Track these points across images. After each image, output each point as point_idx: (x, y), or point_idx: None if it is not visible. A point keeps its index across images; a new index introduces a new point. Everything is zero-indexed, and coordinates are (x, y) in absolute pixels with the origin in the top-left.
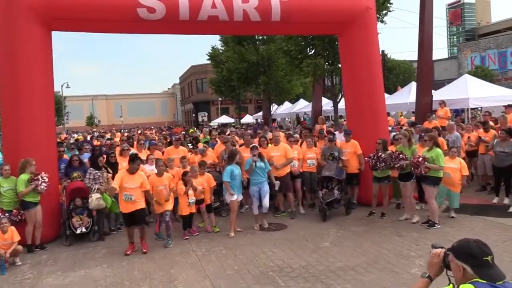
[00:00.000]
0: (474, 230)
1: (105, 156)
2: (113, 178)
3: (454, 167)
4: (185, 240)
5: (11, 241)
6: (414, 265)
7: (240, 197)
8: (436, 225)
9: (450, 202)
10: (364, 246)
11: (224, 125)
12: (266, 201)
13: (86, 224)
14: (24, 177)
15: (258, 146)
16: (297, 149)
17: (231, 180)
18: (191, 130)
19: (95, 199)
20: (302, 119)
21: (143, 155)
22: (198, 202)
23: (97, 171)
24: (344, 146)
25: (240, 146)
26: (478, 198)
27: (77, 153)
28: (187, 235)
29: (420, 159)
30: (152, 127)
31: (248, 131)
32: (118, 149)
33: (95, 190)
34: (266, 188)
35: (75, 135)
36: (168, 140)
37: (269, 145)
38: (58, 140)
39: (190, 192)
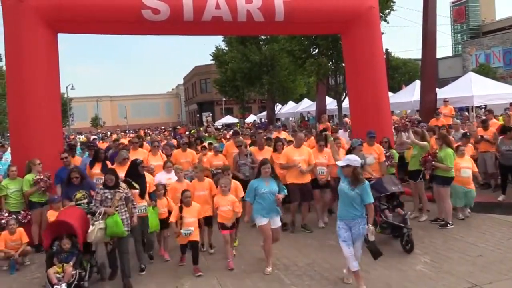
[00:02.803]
0: (480, 227)
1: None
2: (141, 195)
3: (469, 165)
4: None
5: (20, 242)
6: (419, 262)
7: (276, 224)
8: (449, 225)
9: (467, 201)
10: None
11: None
12: (357, 248)
13: (69, 278)
14: (29, 177)
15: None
16: (327, 153)
17: (258, 200)
18: (192, 131)
19: (97, 229)
20: (306, 119)
21: (157, 159)
22: (225, 228)
23: (106, 190)
24: (367, 151)
25: (250, 146)
26: (484, 196)
27: (87, 155)
28: (198, 271)
29: (429, 156)
30: (160, 128)
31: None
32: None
33: (100, 216)
34: (361, 230)
35: (81, 136)
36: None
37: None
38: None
39: (188, 220)
